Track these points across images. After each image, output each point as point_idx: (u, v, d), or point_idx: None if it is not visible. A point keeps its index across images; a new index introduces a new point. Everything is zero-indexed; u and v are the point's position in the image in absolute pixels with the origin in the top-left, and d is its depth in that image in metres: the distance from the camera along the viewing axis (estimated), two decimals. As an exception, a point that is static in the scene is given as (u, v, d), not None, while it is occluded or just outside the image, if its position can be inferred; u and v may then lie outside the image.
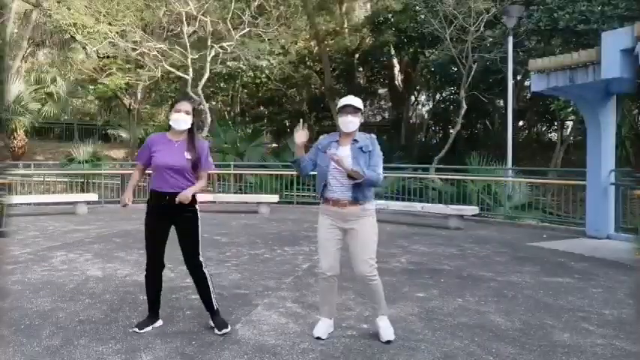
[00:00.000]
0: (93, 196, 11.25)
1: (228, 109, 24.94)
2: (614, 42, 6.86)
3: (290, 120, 24.25)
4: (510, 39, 12.39)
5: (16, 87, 18.66)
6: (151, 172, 3.83)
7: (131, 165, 15.85)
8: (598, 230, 7.96)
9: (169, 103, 22.86)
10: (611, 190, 7.98)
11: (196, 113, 3.80)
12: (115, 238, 7.51)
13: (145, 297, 3.87)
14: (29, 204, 11.22)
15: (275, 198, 11.24)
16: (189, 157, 3.65)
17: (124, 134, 21.58)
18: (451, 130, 17.32)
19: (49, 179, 13.22)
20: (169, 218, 3.72)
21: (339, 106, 3.61)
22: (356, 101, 3.58)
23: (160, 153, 3.68)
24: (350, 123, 3.54)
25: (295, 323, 3.93)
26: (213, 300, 3.79)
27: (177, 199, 3.58)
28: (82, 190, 13.30)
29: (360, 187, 3.51)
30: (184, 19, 14.43)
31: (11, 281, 5.05)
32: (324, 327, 3.70)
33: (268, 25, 15.21)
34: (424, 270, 5.78)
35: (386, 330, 3.63)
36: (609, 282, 5.38)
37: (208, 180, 13.97)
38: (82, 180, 13.89)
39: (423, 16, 15.53)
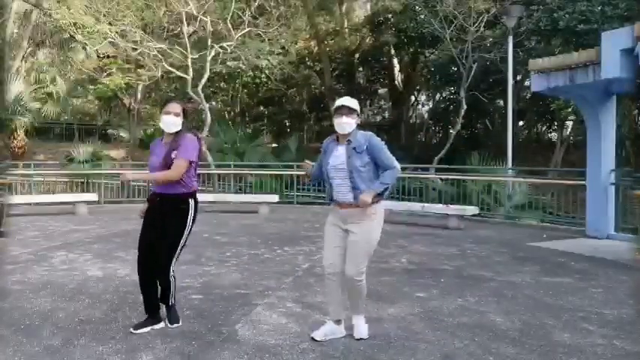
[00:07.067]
0: (93, 196, 11.24)
1: (228, 109, 24.93)
2: (614, 42, 6.86)
3: (290, 120, 24.26)
4: (510, 39, 12.39)
5: (16, 87, 18.67)
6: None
7: (131, 165, 15.86)
8: (598, 230, 7.95)
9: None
10: (611, 190, 7.97)
11: (187, 114, 3.77)
12: (115, 238, 7.51)
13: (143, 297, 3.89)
14: (29, 204, 11.20)
15: (275, 198, 11.23)
16: (174, 155, 3.61)
17: (124, 134, 21.60)
18: (451, 130, 17.30)
19: (49, 179, 13.22)
20: (160, 218, 3.72)
21: (334, 107, 3.58)
22: (351, 102, 3.53)
23: (151, 156, 3.76)
24: (345, 124, 3.48)
25: (295, 323, 3.93)
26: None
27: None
28: (82, 190, 13.28)
29: (360, 189, 3.45)
30: (184, 19, 14.43)
31: (11, 281, 5.05)
32: (325, 329, 3.63)
33: (268, 25, 15.21)
34: (424, 270, 5.78)
35: (361, 327, 3.64)
36: (609, 282, 5.37)
37: (209, 180, 14.10)
38: (82, 180, 13.88)
39: (422, 17, 15.56)
